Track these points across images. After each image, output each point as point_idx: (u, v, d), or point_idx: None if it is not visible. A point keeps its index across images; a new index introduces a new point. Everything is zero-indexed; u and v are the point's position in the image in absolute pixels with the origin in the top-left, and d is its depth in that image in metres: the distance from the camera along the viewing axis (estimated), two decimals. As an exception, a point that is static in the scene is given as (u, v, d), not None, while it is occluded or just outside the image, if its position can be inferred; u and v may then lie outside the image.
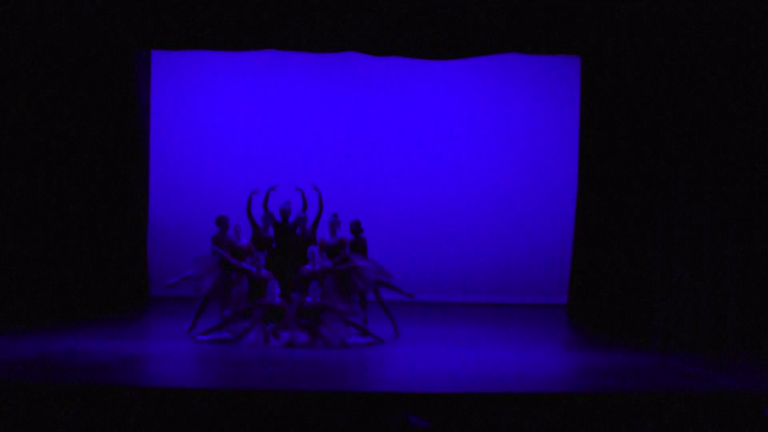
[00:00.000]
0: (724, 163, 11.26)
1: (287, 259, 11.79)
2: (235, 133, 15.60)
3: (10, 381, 8.41)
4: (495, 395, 8.27)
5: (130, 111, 14.33)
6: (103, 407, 7.77)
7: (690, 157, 11.34)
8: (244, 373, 9.51)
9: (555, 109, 15.53)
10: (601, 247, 13.51)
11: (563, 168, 15.36)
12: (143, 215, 14.96)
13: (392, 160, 15.66)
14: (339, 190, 15.30)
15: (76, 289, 13.24)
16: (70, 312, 12.74)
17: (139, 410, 7.49)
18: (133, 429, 7.34)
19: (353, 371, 9.96)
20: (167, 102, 15.44)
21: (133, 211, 14.56)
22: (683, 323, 11.27)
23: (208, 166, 15.50)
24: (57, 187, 13.01)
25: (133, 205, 14.53)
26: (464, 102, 15.71)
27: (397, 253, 15.04)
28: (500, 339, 12.06)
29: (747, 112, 11.24)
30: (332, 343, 10.76)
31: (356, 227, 11.73)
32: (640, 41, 11.94)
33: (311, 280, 11.12)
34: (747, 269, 11.25)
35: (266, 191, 11.97)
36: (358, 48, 12.68)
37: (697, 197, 11.30)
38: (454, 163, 15.67)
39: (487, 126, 15.69)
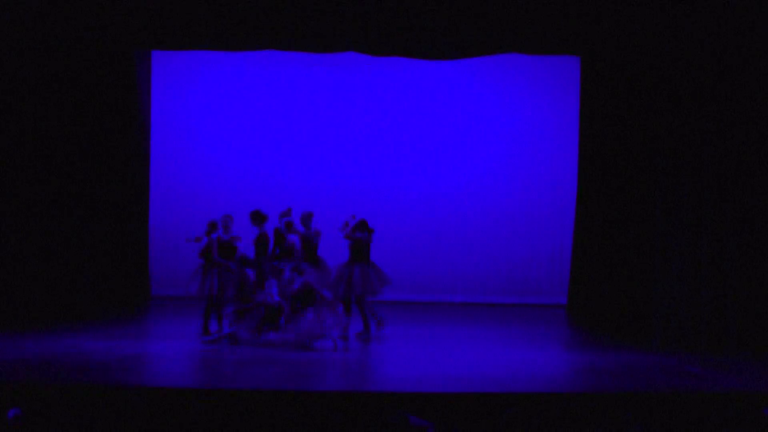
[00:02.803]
0: (725, 163, 11.26)
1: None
2: (235, 132, 15.60)
3: (10, 381, 8.40)
4: (495, 395, 8.28)
5: (130, 111, 14.32)
6: (103, 407, 7.77)
7: (690, 156, 11.34)
8: (243, 373, 9.52)
9: (555, 109, 15.52)
10: (601, 248, 13.50)
11: (563, 168, 15.35)
12: (144, 215, 14.95)
13: (392, 160, 15.66)
14: (339, 190, 15.31)
15: (77, 289, 13.23)
16: (71, 312, 12.74)
17: (139, 410, 7.49)
18: (133, 429, 7.34)
19: (353, 371, 9.96)
20: (167, 102, 15.42)
21: (134, 211, 14.56)
22: (683, 323, 11.27)
23: (208, 166, 15.49)
24: (57, 188, 12.98)
25: (133, 205, 14.52)
26: (464, 102, 15.70)
27: (397, 253, 15.03)
28: (500, 339, 12.07)
29: (747, 112, 11.24)
30: (305, 339, 10.73)
31: (363, 227, 11.74)
32: (640, 41, 11.94)
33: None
34: (747, 269, 11.25)
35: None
36: (358, 48, 12.67)
37: (697, 197, 11.30)
38: (453, 163, 15.67)
39: (487, 126, 15.68)
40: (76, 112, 13.18)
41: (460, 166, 15.67)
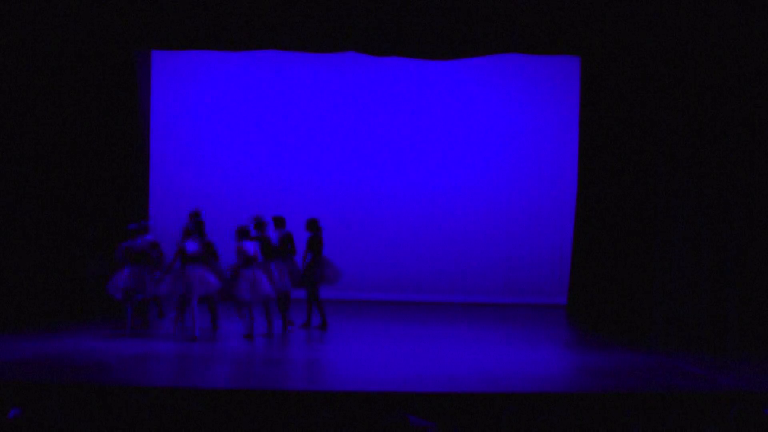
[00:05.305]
0: (724, 163, 11.26)
1: None
2: (234, 132, 15.61)
3: (10, 381, 8.40)
4: (495, 395, 8.28)
5: (131, 111, 14.32)
6: (103, 407, 7.77)
7: (690, 156, 11.34)
8: (243, 372, 9.52)
9: (555, 109, 15.52)
10: (601, 247, 13.50)
11: (563, 168, 15.35)
12: (144, 215, 14.92)
13: (392, 160, 15.67)
14: (340, 190, 15.32)
15: (77, 289, 13.23)
16: (70, 312, 12.74)
17: (139, 410, 7.48)
18: (133, 429, 7.33)
19: (352, 371, 9.96)
20: (167, 102, 15.43)
21: (133, 211, 14.54)
22: (683, 323, 11.27)
23: (208, 166, 15.50)
24: (57, 187, 12.99)
25: (133, 205, 14.51)
26: (464, 102, 15.71)
27: (397, 253, 15.04)
28: (500, 339, 12.07)
29: (747, 111, 11.24)
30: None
31: (313, 225, 11.89)
32: (640, 41, 11.94)
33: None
34: (747, 269, 11.25)
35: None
36: (358, 48, 12.68)
37: (696, 197, 11.30)
38: (453, 162, 15.68)
39: (487, 126, 15.69)
40: (76, 112, 13.19)
41: (460, 165, 15.68)
